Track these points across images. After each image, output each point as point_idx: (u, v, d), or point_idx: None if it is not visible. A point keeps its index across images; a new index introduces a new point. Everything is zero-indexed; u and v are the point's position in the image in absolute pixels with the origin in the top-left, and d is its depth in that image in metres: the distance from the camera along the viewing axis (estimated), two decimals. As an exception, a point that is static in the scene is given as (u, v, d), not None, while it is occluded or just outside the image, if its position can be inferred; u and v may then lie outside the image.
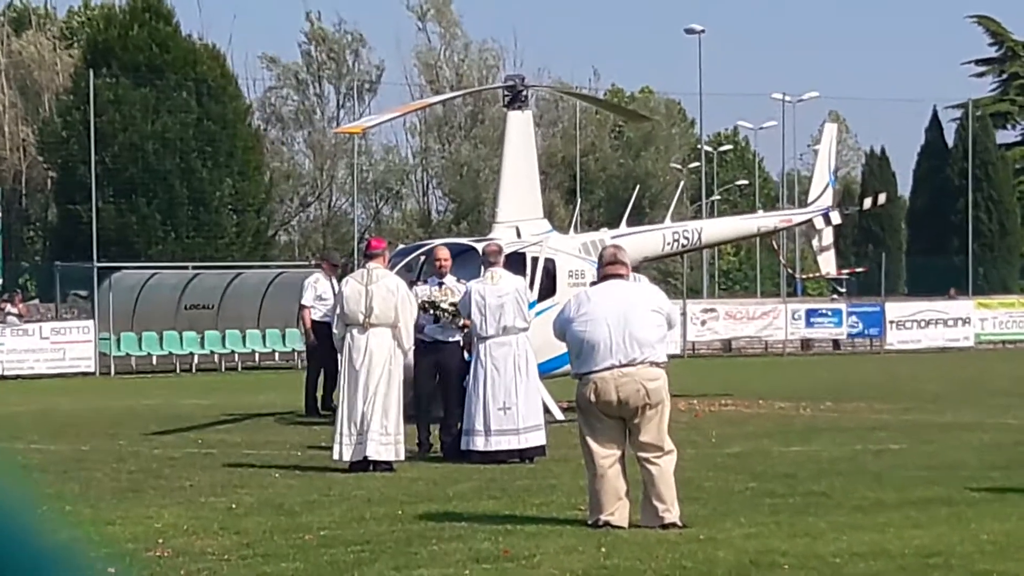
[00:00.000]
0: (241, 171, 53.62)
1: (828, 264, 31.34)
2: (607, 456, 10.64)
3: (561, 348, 11.29)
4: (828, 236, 30.73)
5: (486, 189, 61.66)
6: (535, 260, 21.67)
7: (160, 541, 10.22)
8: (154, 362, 40.68)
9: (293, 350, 40.82)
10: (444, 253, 17.89)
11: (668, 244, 26.83)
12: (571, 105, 63.22)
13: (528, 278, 19.91)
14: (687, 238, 27.08)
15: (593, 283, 12.15)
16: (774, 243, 37.29)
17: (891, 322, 49.85)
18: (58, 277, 45.52)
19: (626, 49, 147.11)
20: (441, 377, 16.89)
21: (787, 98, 69.97)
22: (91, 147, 45.47)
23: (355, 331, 14.81)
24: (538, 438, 15.51)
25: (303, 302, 22.14)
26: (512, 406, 15.44)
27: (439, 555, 9.49)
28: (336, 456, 14.70)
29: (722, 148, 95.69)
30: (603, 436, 10.70)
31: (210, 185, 52.21)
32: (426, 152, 69.55)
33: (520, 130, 23.43)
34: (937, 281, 58.77)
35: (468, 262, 19.96)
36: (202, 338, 41.24)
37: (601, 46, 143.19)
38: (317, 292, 21.80)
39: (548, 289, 21.63)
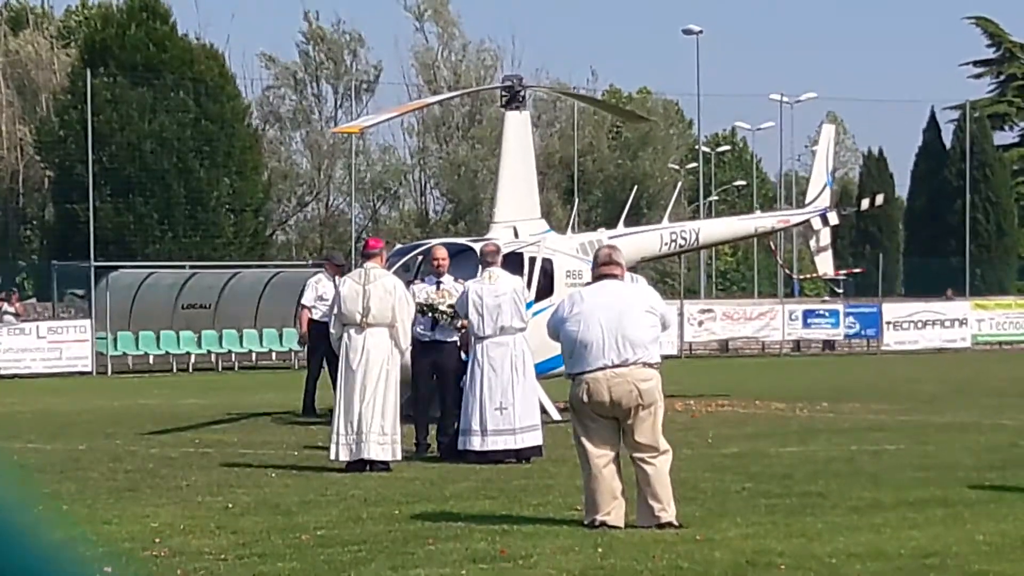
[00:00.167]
0: (239, 171, 53.63)
1: (825, 265, 31.35)
2: (602, 456, 10.64)
3: (558, 348, 11.29)
4: (825, 237, 30.73)
5: (484, 189, 61.65)
6: (533, 260, 21.69)
7: (157, 540, 10.22)
8: (151, 362, 40.69)
9: (290, 350, 40.82)
10: (442, 253, 17.89)
11: (666, 244, 26.83)
12: (569, 105, 63.20)
13: (526, 278, 19.92)
14: (684, 238, 27.09)
15: (587, 283, 12.14)
16: (771, 244, 37.28)
17: (888, 323, 49.87)
18: (55, 276, 45.53)
19: (624, 50, 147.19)
20: (438, 377, 16.89)
21: (785, 99, 69.99)
22: (88, 146, 45.45)
23: (352, 331, 14.81)
24: (534, 438, 15.50)
25: (303, 302, 22.13)
26: (509, 406, 15.44)
27: (436, 555, 9.49)
28: (333, 456, 14.70)
29: (720, 149, 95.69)
30: (597, 436, 10.70)
31: (208, 185, 52.22)
32: (424, 152, 69.55)
33: (518, 130, 23.43)
34: (934, 282, 58.81)
35: (466, 262, 19.95)
36: (199, 338, 41.24)
37: (599, 47, 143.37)
38: (318, 292, 21.78)
39: (546, 289, 21.63)
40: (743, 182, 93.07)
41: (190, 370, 40.16)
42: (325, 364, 21.03)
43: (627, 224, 26.69)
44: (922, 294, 56.05)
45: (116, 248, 47.71)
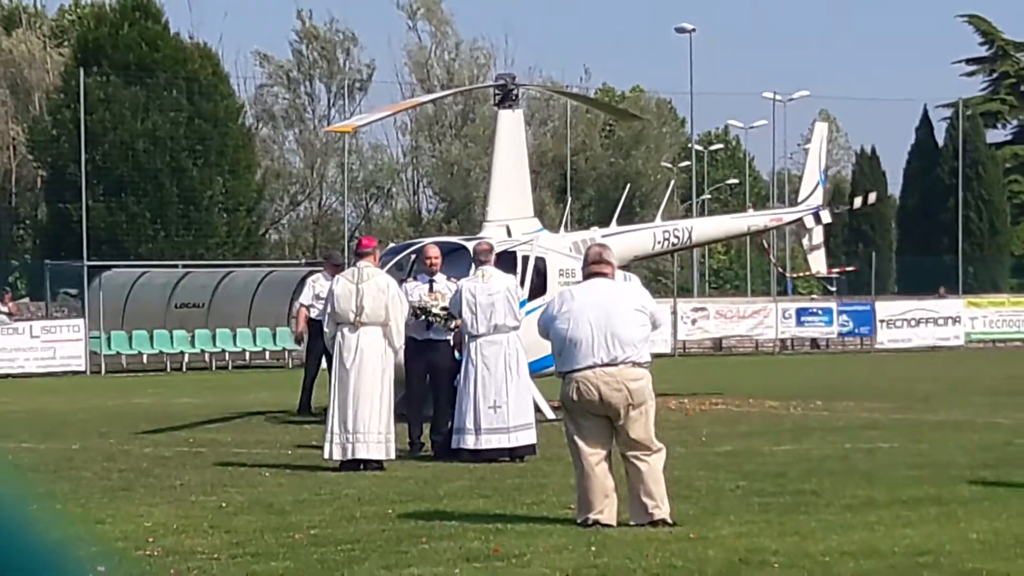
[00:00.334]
0: (232, 170, 53.57)
1: (818, 263, 31.39)
2: (594, 454, 10.64)
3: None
4: (818, 235, 30.78)
5: (476, 188, 61.62)
6: (526, 259, 21.70)
7: (150, 540, 10.21)
8: (144, 361, 40.66)
9: (284, 349, 40.83)
10: (435, 251, 17.91)
11: (658, 243, 26.85)
12: (562, 104, 63.20)
13: (519, 277, 19.93)
14: (677, 237, 27.11)
15: (578, 281, 12.15)
16: (764, 242, 37.33)
17: (881, 321, 49.93)
18: (48, 276, 45.49)
19: (617, 48, 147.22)
20: (432, 376, 16.89)
21: (778, 97, 70.00)
22: (81, 146, 45.41)
23: (346, 330, 14.81)
24: (528, 437, 15.50)
25: (301, 300, 22.19)
26: (502, 404, 15.44)
27: (429, 554, 9.49)
28: (326, 455, 14.70)
29: (713, 147, 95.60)
30: (589, 435, 10.70)
31: (201, 184, 52.16)
32: (416, 151, 69.50)
33: (511, 129, 23.44)
34: (927, 280, 58.84)
35: (459, 260, 19.96)
36: (192, 337, 41.23)
37: (592, 45, 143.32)
38: (316, 291, 21.79)
39: (539, 288, 21.64)
40: (736, 180, 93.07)
41: (184, 369, 40.13)
42: (324, 363, 21.04)
43: (620, 223, 26.72)
44: (915, 292, 56.10)
45: (109, 247, 47.68)
